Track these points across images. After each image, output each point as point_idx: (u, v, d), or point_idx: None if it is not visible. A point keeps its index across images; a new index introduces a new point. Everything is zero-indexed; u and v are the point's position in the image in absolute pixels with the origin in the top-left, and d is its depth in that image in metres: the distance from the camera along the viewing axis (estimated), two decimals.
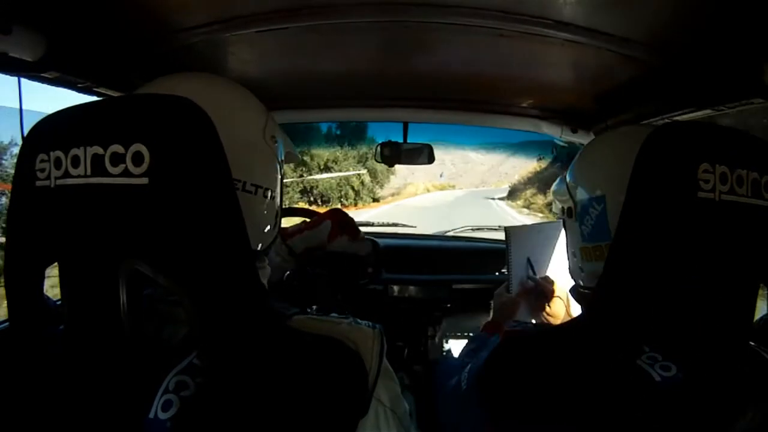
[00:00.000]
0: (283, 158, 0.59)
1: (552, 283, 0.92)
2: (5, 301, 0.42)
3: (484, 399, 0.53)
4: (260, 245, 0.55)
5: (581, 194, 0.59)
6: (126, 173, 0.36)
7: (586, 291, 0.61)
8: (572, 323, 0.54)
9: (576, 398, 0.44)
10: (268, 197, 0.54)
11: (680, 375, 0.44)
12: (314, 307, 1.19)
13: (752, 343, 0.49)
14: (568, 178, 0.63)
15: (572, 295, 0.65)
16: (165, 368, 0.40)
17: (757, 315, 0.61)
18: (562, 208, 0.64)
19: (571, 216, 0.61)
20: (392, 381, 0.51)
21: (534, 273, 1.01)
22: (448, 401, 0.66)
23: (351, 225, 1.08)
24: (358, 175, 16.02)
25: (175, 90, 0.41)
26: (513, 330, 0.52)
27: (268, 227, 0.56)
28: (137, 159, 0.36)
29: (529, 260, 1.04)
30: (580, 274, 0.61)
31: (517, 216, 12.61)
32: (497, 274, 1.57)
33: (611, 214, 0.54)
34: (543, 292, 0.92)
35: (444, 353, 1.60)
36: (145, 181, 0.36)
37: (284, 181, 0.60)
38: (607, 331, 0.44)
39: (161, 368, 0.40)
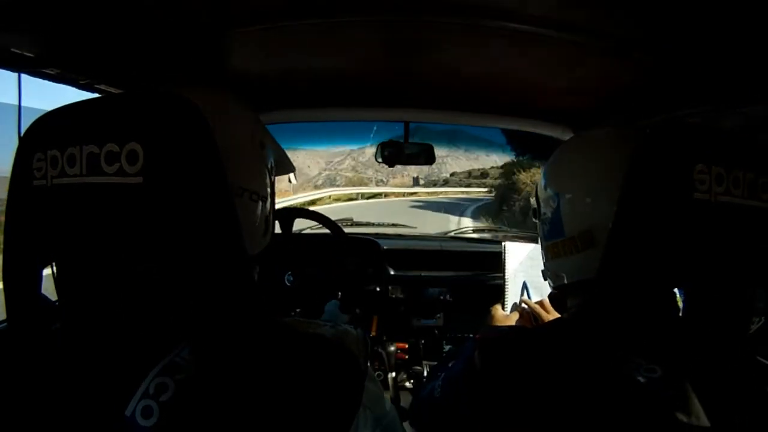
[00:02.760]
0: (272, 165, 0.58)
1: (546, 306, 0.92)
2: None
3: (464, 405, 0.53)
4: (251, 250, 0.53)
5: (542, 194, 0.63)
6: (121, 172, 0.36)
7: (555, 291, 0.64)
8: (553, 324, 0.54)
9: (556, 400, 0.44)
10: (257, 200, 0.52)
11: (665, 377, 0.43)
12: (297, 310, 1.20)
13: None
14: (538, 185, 0.66)
15: (551, 303, 0.67)
16: (150, 359, 0.40)
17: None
18: (532, 210, 0.67)
19: (536, 216, 0.65)
20: (373, 383, 0.51)
21: (529, 296, 1.01)
22: (422, 408, 0.67)
23: None
24: None
25: None
26: (488, 335, 0.53)
27: (258, 232, 0.54)
28: (132, 158, 0.36)
29: (525, 284, 1.04)
30: (548, 273, 0.64)
31: None
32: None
33: (564, 211, 0.57)
34: (537, 315, 0.92)
35: (445, 353, 1.60)
36: (139, 180, 0.36)
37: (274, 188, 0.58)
38: (597, 333, 0.44)
39: (146, 360, 0.40)
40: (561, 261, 0.58)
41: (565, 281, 0.59)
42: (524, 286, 1.04)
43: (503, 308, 1.02)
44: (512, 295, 1.05)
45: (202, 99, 0.50)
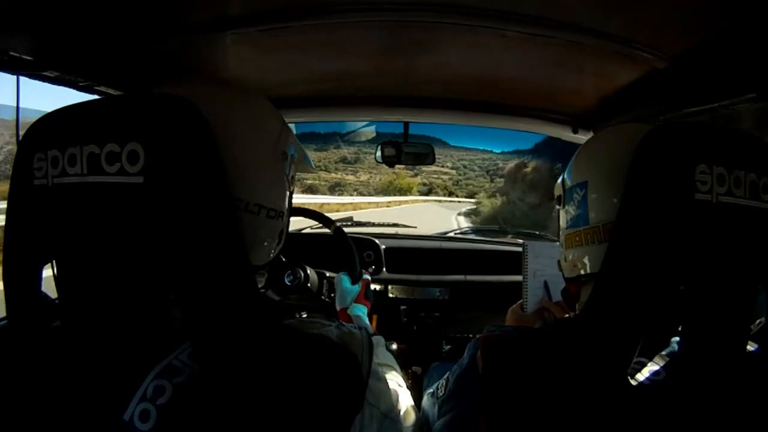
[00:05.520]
0: (293, 175, 0.57)
1: (566, 308, 0.89)
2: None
3: (468, 405, 0.53)
4: (262, 261, 0.53)
5: (569, 182, 0.62)
6: (122, 172, 0.36)
7: (567, 285, 0.63)
8: (558, 324, 0.54)
9: (558, 400, 0.44)
10: (274, 217, 0.52)
11: (669, 379, 0.43)
12: (303, 314, 1.20)
13: (750, 347, 0.48)
14: (565, 172, 0.65)
15: (563, 297, 0.66)
16: (149, 362, 0.40)
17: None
18: (557, 197, 0.66)
19: (560, 203, 0.64)
20: (378, 380, 0.52)
21: (550, 297, 0.99)
22: (427, 407, 0.67)
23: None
24: None
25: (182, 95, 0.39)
26: (491, 334, 0.52)
27: (272, 245, 0.54)
28: (132, 158, 0.36)
29: (546, 283, 1.02)
30: (564, 264, 0.63)
31: None
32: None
33: (591, 199, 0.56)
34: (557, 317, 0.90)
35: (444, 353, 1.60)
36: (140, 179, 0.36)
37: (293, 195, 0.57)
38: (600, 334, 0.44)
39: (145, 362, 0.40)
40: (582, 250, 0.58)
41: (582, 272, 0.58)
42: (545, 287, 1.02)
43: (523, 309, 1.00)
44: (533, 296, 1.03)
45: (228, 102, 0.49)
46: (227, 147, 0.43)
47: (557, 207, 0.66)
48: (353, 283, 1.05)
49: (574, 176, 0.60)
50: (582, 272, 0.58)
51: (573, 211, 0.59)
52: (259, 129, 0.51)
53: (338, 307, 1.00)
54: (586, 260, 0.57)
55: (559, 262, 0.66)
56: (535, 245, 1.08)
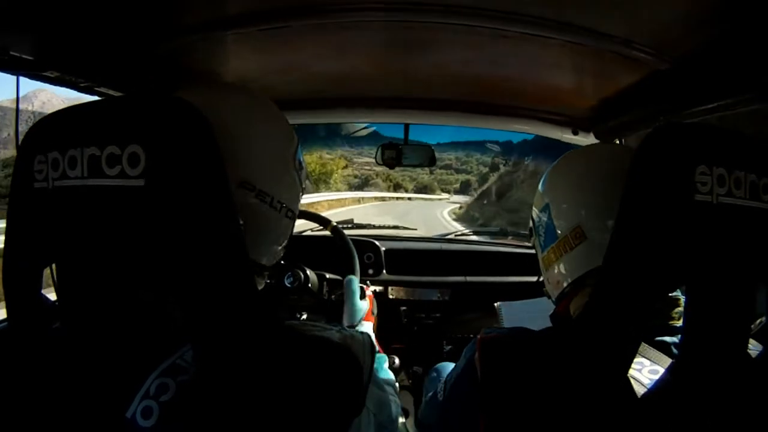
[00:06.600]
0: (305, 185, 0.60)
1: None
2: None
3: (467, 408, 0.53)
4: (271, 262, 0.56)
5: (536, 211, 0.67)
6: (122, 174, 0.36)
7: (557, 303, 0.65)
8: (556, 326, 0.54)
9: (557, 402, 0.44)
10: (291, 218, 0.55)
11: (670, 378, 0.43)
12: (304, 315, 1.20)
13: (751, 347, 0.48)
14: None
15: (552, 322, 0.67)
16: (152, 361, 0.40)
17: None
18: (529, 231, 0.71)
19: (532, 234, 0.69)
20: (378, 388, 0.51)
21: None
22: (427, 410, 0.67)
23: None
24: None
25: (208, 103, 0.42)
26: (487, 336, 0.52)
27: (282, 246, 0.57)
28: (133, 160, 0.36)
29: None
30: (549, 287, 0.66)
31: None
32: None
33: (554, 216, 0.61)
34: None
35: (445, 353, 1.60)
36: (141, 182, 0.36)
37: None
38: (600, 334, 0.43)
39: (148, 362, 0.40)
40: (559, 263, 0.61)
41: (565, 284, 0.60)
42: None
43: None
44: None
45: (253, 105, 0.53)
46: (257, 146, 0.48)
47: (532, 239, 0.70)
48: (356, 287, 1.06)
49: (539, 203, 0.65)
50: (565, 284, 0.60)
51: (543, 233, 0.64)
52: (284, 133, 0.55)
53: (346, 323, 1.01)
54: (564, 271, 0.60)
55: (545, 290, 0.68)
56: (508, 305, 1.10)
